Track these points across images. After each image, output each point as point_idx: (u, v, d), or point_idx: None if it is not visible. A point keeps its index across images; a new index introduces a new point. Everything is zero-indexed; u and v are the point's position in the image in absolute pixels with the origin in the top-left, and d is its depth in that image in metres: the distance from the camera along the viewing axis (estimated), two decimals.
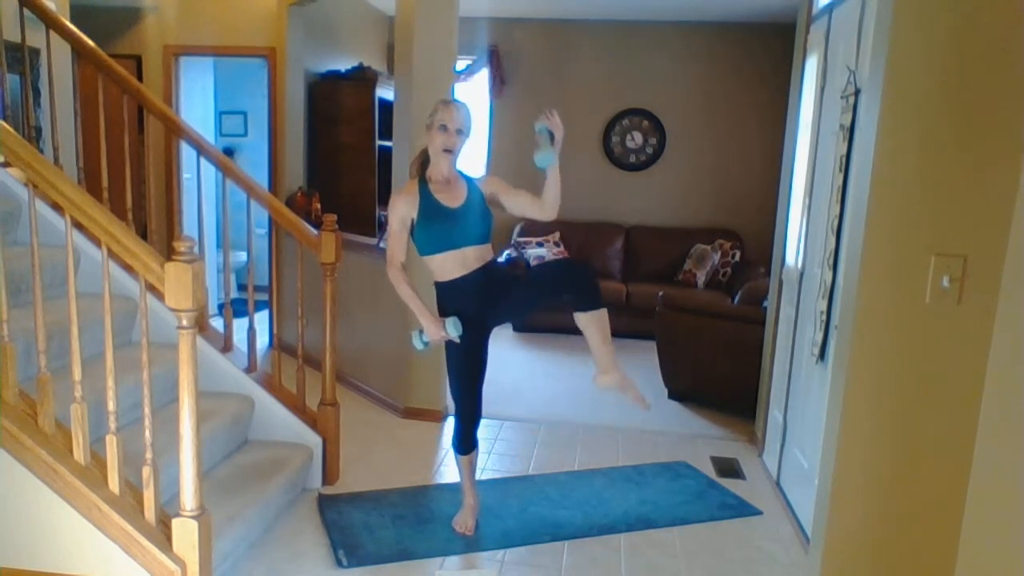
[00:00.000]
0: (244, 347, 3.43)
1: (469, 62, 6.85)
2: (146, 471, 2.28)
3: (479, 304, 2.74)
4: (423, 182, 2.74)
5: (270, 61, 5.57)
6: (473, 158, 7.00)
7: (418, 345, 2.74)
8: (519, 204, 2.78)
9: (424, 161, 2.78)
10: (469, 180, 2.79)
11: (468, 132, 2.73)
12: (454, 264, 2.71)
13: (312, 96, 5.73)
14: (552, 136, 2.65)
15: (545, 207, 2.73)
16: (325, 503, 3.15)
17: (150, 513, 2.32)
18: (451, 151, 2.69)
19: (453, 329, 2.65)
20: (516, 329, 6.45)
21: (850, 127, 2.62)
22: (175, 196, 4.70)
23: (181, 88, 5.84)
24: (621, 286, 6.44)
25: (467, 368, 2.85)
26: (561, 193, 2.73)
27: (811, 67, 3.46)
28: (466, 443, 2.95)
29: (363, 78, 5.75)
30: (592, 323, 2.75)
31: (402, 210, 2.72)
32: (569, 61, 6.94)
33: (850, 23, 2.81)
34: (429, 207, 2.70)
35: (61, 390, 2.39)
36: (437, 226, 2.69)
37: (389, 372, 4.38)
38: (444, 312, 2.76)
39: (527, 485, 3.47)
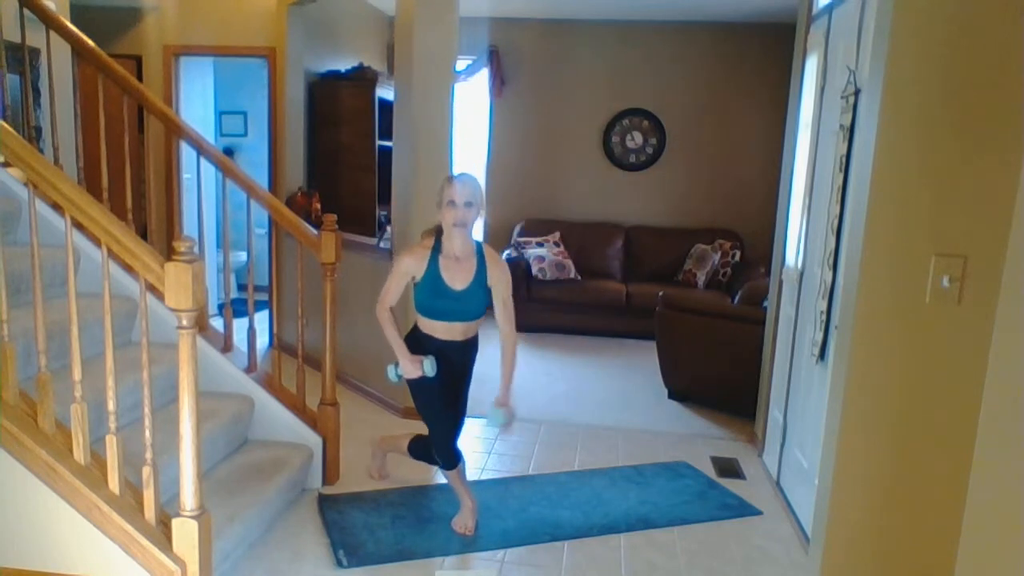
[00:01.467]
0: (244, 347, 3.43)
1: (469, 62, 6.85)
2: (146, 471, 2.28)
3: (448, 364, 2.88)
4: (435, 251, 2.82)
5: (270, 61, 5.56)
6: (473, 160, 7.02)
7: (392, 378, 2.93)
8: (496, 311, 2.91)
9: (438, 233, 2.85)
10: (480, 259, 2.84)
11: (478, 203, 2.79)
12: (441, 329, 2.88)
13: (312, 96, 5.73)
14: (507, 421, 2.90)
15: (502, 339, 2.93)
16: (325, 503, 3.15)
17: (150, 513, 2.32)
18: (464, 225, 2.75)
19: (429, 369, 2.82)
20: (516, 329, 6.45)
21: (850, 127, 2.62)
22: (175, 196, 4.70)
23: (181, 88, 5.83)
24: (621, 286, 6.45)
25: (440, 398, 2.94)
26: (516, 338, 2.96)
27: (811, 67, 3.46)
28: (449, 460, 2.99)
29: (363, 78, 5.75)
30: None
31: (408, 267, 2.85)
32: (569, 61, 6.94)
33: (850, 23, 2.81)
34: (433, 281, 2.80)
35: (61, 390, 2.39)
36: (436, 299, 2.82)
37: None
38: (416, 345, 2.91)
39: (527, 485, 3.47)
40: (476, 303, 2.85)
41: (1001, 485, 1.94)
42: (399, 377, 2.90)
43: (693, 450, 3.96)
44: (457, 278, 2.80)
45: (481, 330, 3.00)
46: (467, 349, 2.96)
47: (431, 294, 2.81)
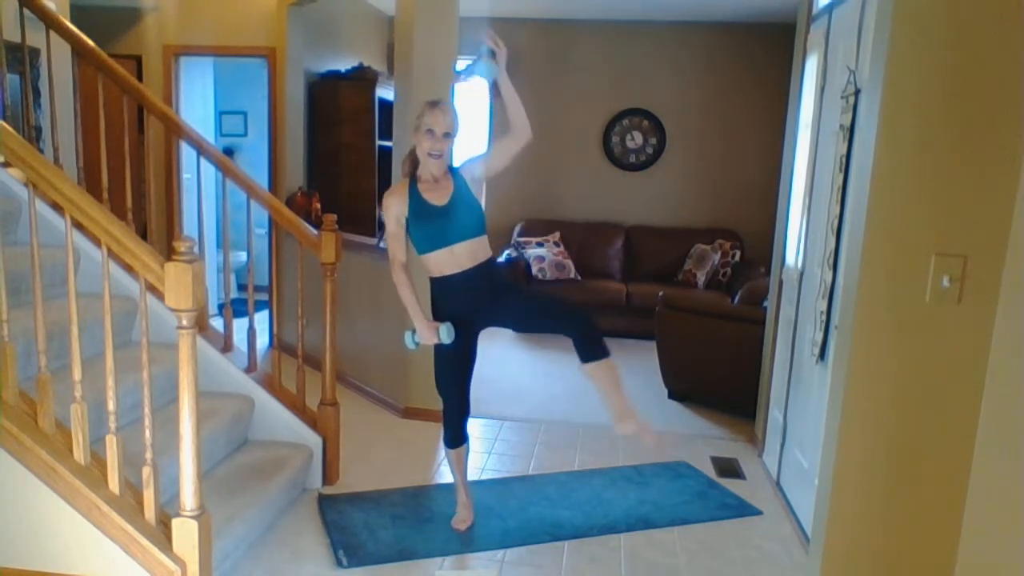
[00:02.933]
0: (244, 347, 3.43)
1: (469, 62, 6.83)
2: (146, 471, 2.28)
3: (469, 303, 2.76)
4: (413, 182, 2.76)
5: (270, 61, 5.56)
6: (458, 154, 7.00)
7: (409, 344, 2.81)
8: (498, 153, 2.77)
9: (414, 161, 2.78)
10: (455, 173, 2.78)
11: (456, 133, 2.72)
12: (446, 261, 2.72)
13: (312, 96, 5.73)
14: (493, 53, 2.70)
15: (516, 130, 2.72)
16: (325, 503, 3.15)
17: (150, 513, 2.32)
18: (439, 155, 2.69)
19: (446, 336, 2.72)
20: (516, 329, 6.45)
21: (850, 127, 2.62)
22: (175, 196, 4.70)
23: (181, 88, 5.84)
24: (621, 286, 6.44)
25: (455, 368, 2.89)
26: (526, 118, 2.74)
27: (811, 67, 3.46)
28: (456, 437, 2.96)
29: (363, 78, 5.75)
30: (600, 372, 2.73)
31: (395, 209, 2.75)
32: (569, 61, 6.94)
33: (850, 23, 2.81)
34: (418, 206, 2.72)
35: (61, 390, 2.39)
36: (427, 224, 2.71)
37: (389, 372, 4.38)
38: (436, 307, 2.81)
39: (527, 485, 3.47)
40: (467, 215, 2.71)
41: (1001, 485, 1.94)
42: (416, 344, 2.80)
43: (693, 450, 3.96)
44: (439, 195, 2.71)
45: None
46: (485, 276, 2.74)
47: (421, 219, 2.70)
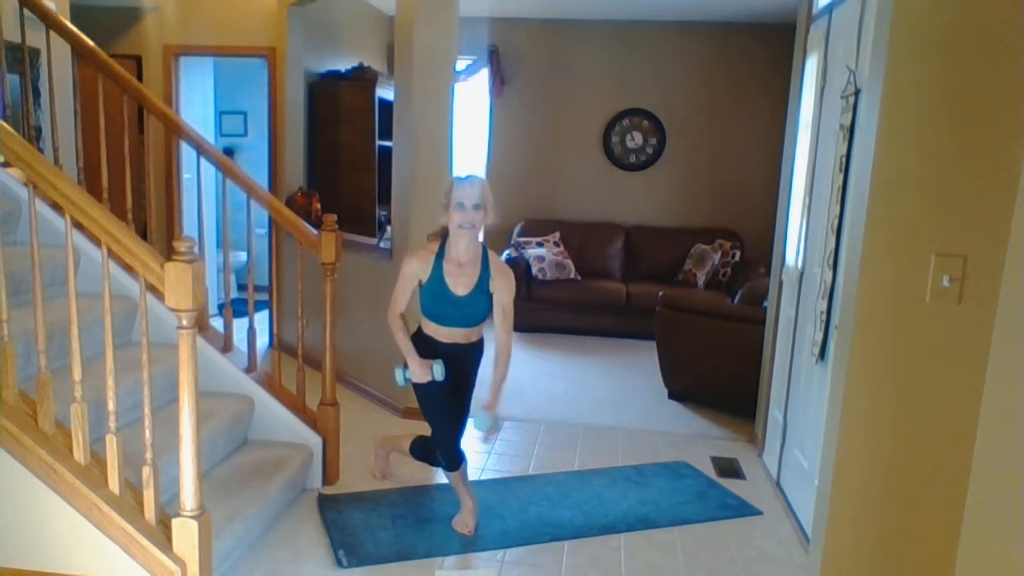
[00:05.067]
0: (244, 347, 3.43)
1: (469, 62, 6.84)
2: (146, 471, 2.28)
3: (451, 366, 2.87)
4: (440, 255, 2.80)
5: (270, 61, 5.56)
6: (473, 160, 7.01)
7: (400, 381, 2.92)
8: (496, 317, 2.88)
9: (443, 236, 2.82)
10: (484, 264, 2.82)
11: (487, 206, 2.75)
12: (442, 333, 2.88)
13: (312, 96, 5.73)
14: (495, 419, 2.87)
15: (497, 346, 2.90)
16: (325, 503, 3.15)
17: (150, 513, 2.32)
18: (471, 227, 2.72)
19: (439, 373, 2.82)
20: (516, 329, 6.45)
21: (850, 127, 2.62)
22: (175, 196, 4.70)
23: (181, 88, 5.83)
24: (621, 286, 6.44)
25: (443, 402, 2.93)
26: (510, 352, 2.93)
27: (811, 67, 3.46)
28: (453, 460, 2.99)
29: (363, 78, 5.75)
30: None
31: (413, 271, 2.83)
32: (569, 61, 6.94)
33: (850, 23, 2.81)
34: (437, 284, 2.80)
35: (61, 390, 2.39)
36: (438, 303, 2.82)
37: (389, 372, 4.33)
38: (419, 348, 2.90)
39: (527, 485, 3.47)
40: (477, 310, 2.85)
41: (1001, 485, 1.94)
42: (407, 380, 2.89)
43: (693, 450, 3.96)
44: (460, 283, 2.79)
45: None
46: (470, 352, 2.96)
47: (434, 299, 2.81)
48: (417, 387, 2.90)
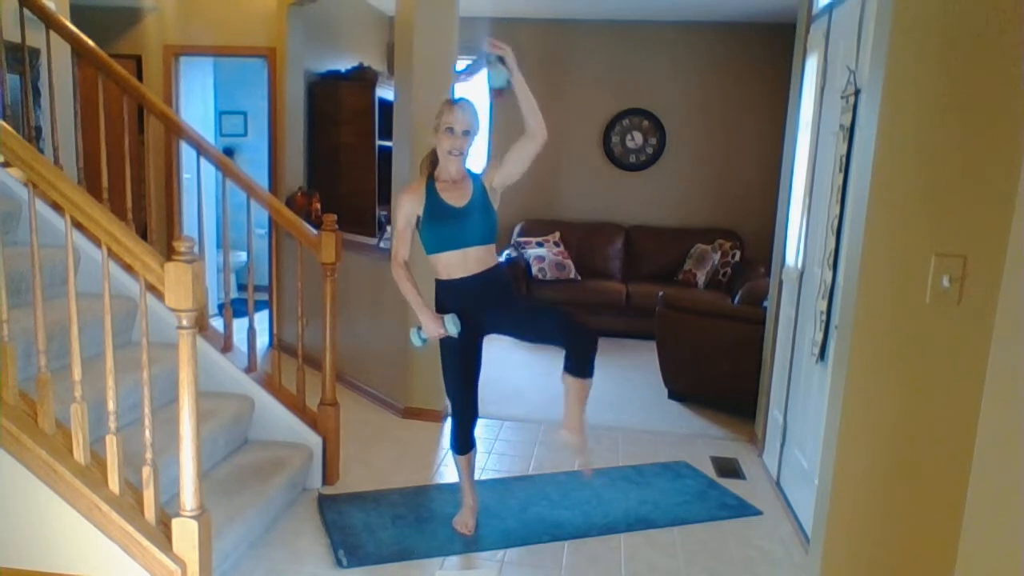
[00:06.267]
0: (244, 347, 3.43)
1: (469, 62, 6.83)
2: (146, 471, 2.28)
3: (474, 306, 2.75)
4: (431, 181, 2.74)
5: (270, 61, 5.56)
6: (475, 157, 7.01)
7: (416, 341, 2.76)
8: (515, 156, 2.70)
9: (433, 161, 2.77)
10: (475, 178, 2.78)
11: (476, 131, 2.71)
12: (457, 264, 2.71)
13: (312, 96, 5.73)
14: (501, 59, 2.63)
15: (532, 132, 2.65)
16: (325, 503, 3.15)
17: (150, 513, 2.32)
18: (459, 153, 2.68)
19: (452, 326, 2.67)
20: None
21: (850, 127, 2.62)
22: (175, 196, 4.71)
23: (181, 88, 5.84)
24: (621, 286, 6.44)
25: (462, 367, 2.86)
26: (543, 122, 2.66)
27: (811, 67, 3.46)
28: (463, 443, 2.95)
29: (363, 78, 5.75)
30: (578, 387, 2.75)
31: (408, 208, 2.73)
32: (569, 61, 6.94)
33: (850, 23, 2.81)
34: (435, 206, 2.70)
35: (61, 390, 2.39)
36: (442, 225, 2.69)
37: (389, 372, 4.38)
38: (442, 309, 2.77)
39: (527, 485, 3.47)
40: (482, 221, 2.71)
41: (1001, 485, 1.94)
42: (424, 340, 2.75)
43: (693, 450, 3.96)
44: (456, 196, 2.70)
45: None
46: (491, 282, 2.75)
47: (435, 220, 2.68)
48: (441, 350, 2.81)
